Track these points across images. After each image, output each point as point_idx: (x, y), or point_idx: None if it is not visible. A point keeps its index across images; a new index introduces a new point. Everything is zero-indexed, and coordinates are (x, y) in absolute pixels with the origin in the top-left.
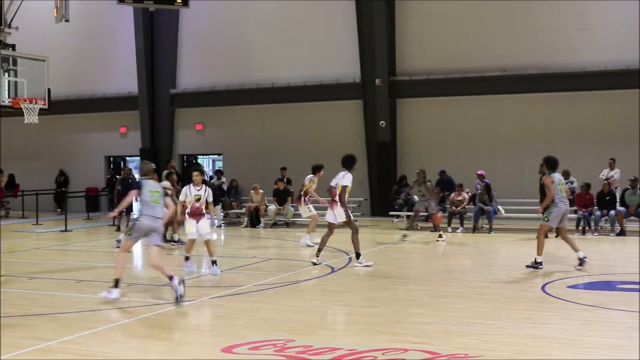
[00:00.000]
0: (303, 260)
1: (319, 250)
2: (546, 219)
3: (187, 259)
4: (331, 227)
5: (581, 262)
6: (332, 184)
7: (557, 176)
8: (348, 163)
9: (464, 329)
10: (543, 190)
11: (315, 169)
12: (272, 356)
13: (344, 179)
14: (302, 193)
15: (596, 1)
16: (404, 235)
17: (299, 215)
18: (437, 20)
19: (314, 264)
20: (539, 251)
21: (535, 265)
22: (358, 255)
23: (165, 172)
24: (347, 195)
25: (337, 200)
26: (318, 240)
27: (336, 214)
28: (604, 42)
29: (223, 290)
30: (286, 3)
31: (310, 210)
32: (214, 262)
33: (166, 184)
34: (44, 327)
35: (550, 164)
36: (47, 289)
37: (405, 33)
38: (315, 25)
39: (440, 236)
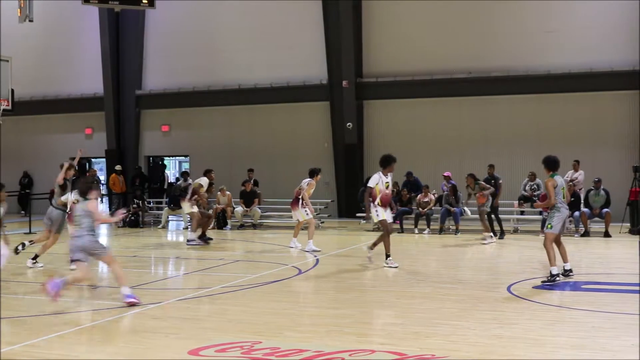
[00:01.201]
0: (270, 262)
1: (372, 246)
2: (550, 226)
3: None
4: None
5: (552, 277)
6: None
7: (559, 179)
8: (381, 163)
9: (430, 329)
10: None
11: (313, 173)
12: (239, 358)
13: (371, 179)
14: (300, 197)
15: (561, 3)
16: (484, 239)
17: (266, 217)
18: (404, 22)
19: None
20: (551, 261)
21: (552, 278)
22: (387, 256)
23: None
24: (379, 195)
25: (375, 200)
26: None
27: (373, 214)
28: (569, 45)
29: (190, 292)
30: (253, 4)
31: (307, 214)
32: None
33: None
34: (8, 330)
35: (551, 165)
36: (11, 292)
37: (372, 35)
38: (282, 27)
39: (484, 238)
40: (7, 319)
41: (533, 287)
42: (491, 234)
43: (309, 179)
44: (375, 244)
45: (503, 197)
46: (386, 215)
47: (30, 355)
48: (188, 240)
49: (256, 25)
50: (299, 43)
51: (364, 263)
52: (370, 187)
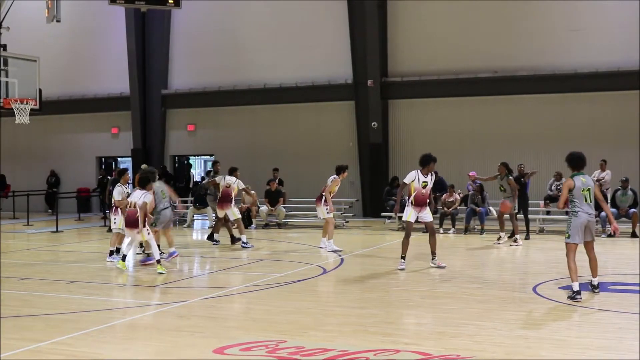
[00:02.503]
0: (294, 262)
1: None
2: (567, 235)
3: (114, 252)
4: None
5: (574, 294)
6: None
7: (580, 179)
8: (420, 162)
9: (455, 329)
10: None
11: (340, 170)
12: (264, 357)
13: (407, 176)
14: (323, 193)
15: (588, 2)
16: (504, 238)
17: (291, 216)
18: (429, 21)
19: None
20: (572, 276)
21: (572, 295)
22: (433, 255)
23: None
24: (413, 194)
25: (410, 198)
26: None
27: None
28: (595, 43)
29: (215, 291)
30: (278, 4)
31: (328, 212)
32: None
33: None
34: (34, 328)
35: (574, 162)
36: (37, 290)
37: (397, 34)
38: (307, 26)
39: (515, 240)
40: (34, 317)
41: (559, 288)
42: (502, 233)
43: (335, 176)
44: (433, 252)
45: (529, 197)
46: (412, 217)
47: (57, 353)
48: (243, 243)
49: (281, 24)
50: (323, 42)
51: (387, 261)
52: (405, 183)
